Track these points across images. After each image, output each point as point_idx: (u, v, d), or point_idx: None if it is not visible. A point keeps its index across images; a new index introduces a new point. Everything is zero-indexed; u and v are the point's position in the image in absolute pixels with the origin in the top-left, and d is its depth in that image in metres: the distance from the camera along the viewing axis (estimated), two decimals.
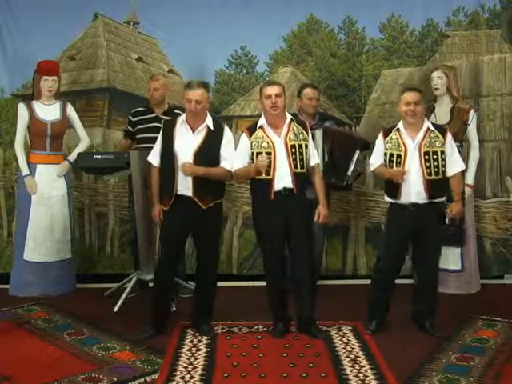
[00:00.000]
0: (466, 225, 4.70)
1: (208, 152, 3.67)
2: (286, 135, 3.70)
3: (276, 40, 5.42)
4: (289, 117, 3.77)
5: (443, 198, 3.76)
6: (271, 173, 3.65)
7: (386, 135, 3.80)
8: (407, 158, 3.67)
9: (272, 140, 3.69)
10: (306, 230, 3.74)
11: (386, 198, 3.85)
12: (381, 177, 3.95)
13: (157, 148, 3.78)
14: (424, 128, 3.70)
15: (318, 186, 3.83)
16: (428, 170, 3.65)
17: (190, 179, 3.63)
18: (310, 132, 3.82)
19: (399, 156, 3.69)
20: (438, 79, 4.60)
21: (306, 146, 3.74)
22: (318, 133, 4.34)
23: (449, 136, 3.75)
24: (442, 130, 3.78)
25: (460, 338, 3.71)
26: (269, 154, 3.66)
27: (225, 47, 5.39)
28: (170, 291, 3.97)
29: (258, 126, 3.74)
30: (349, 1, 5.30)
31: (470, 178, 4.67)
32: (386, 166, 3.77)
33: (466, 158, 4.70)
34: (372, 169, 3.90)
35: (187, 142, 3.66)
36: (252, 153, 3.71)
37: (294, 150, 3.68)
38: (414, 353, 3.44)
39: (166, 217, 3.74)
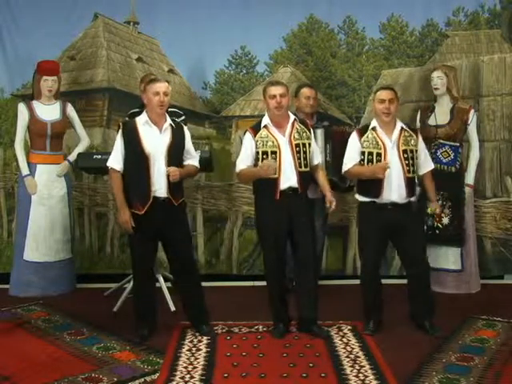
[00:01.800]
0: (465, 225, 4.70)
1: (176, 149, 3.68)
2: (291, 134, 3.70)
3: (276, 40, 5.41)
4: (292, 116, 3.78)
5: (414, 198, 3.79)
6: (277, 172, 3.64)
7: (361, 134, 3.79)
8: (387, 155, 3.69)
9: (277, 139, 3.69)
10: (309, 230, 3.74)
11: (361, 198, 3.81)
12: (358, 176, 3.84)
13: (117, 152, 3.67)
14: (398, 127, 3.75)
15: (321, 181, 3.83)
16: (408, 168, 3.69)
17: (164, 179, 3.60)
18: (312, 131, 3.83)
19: (379, 154, 3.70)
20: (438, 79, 4.60)
21: (310, 145, 3.75)
22: (320, 131, 4.34)
23: (420, 136, 3.83)
24: (413, 130, 3.85)
25: (460, 338, 3.70)
26: (274, 153, 3.66)
27: (225, 47, 5.38)
28: (151, 298, 3.84)
29: (262, 125, 3.74)
30: (349, 1, 5.30)
31: (470, 178, 4.68)
32: (363, 165, 3.75)
33: (466, 158, 4.72)
34: (346, 168, 3.81)
35: (157, 141, 3.63)
36: (257, 152, 3.71)
37: (298, 149, 3.68)
38: (414, 353, 3.44)
39: (141, 221, 3.61)
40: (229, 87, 5.49)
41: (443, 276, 4.68)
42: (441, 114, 4.62)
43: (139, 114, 4.55)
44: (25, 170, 4.71)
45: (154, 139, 3.63)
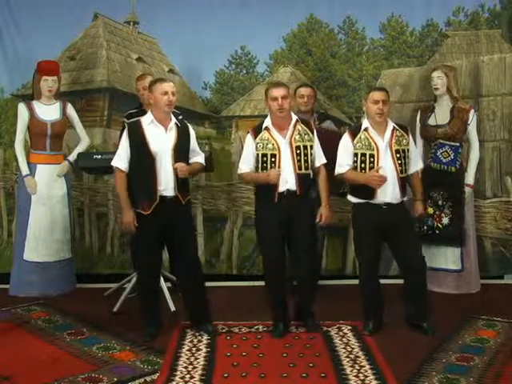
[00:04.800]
0: (466, 225, 4.70)
1: (182, 148, 3.70)
2: (291, 136, 3.71)
3: (276, 40, 5.42)
4: (294, 118, 3.78)
5: (406, 197, 3.79)
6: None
7: (354, 135, 3.76)
8: (380, 156, 3.67)
9: (277, 141, 3.70)
10: (307, 231, 3.73)
11: (354, 199, 3.79)
12: (352, 181, 3.79)
13: (122, 151, 3.67)
14: (390, 127, 3.73)
15: (322, 186, 3.81)
16: (400, 168, 3.68)
17: (171, 178, 3.61)
18: (315, 132, 3.81)
19: (372, 155, 3.68)
20: (438, 79, 4.60)
21: (311, 147, 3.74)
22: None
23: (410, 135, 3.81)
24: (404, 129, 3.81)
25: (460, 338, 3.70)
26: (274, 156, 3.67)
27: (225, 47, 5.39)
28: (158, 297, 3.89)
29: (264, 127, 3.75)
30: (349, 1, 5.30)
31: (470, 178, 4.68)
32: (356, 166, 3.72)
33: (466, 158, 4.71)
34: (341, 171, 3.76)
35: (163, 140, 3.64)
36: (257, 154, 3.72)
37: (298, 152, 3.69)
38: (414, 353, 3.44)
39: (147, 221, 3.62)
40: (229, 87, 5.49)
41: (443, 276, 4.68)
42: (441, 114, 4.61)
43: (137, 114, 4.58)
44: (25, 170, 4.71)
45: (160, 138, 3.65)
